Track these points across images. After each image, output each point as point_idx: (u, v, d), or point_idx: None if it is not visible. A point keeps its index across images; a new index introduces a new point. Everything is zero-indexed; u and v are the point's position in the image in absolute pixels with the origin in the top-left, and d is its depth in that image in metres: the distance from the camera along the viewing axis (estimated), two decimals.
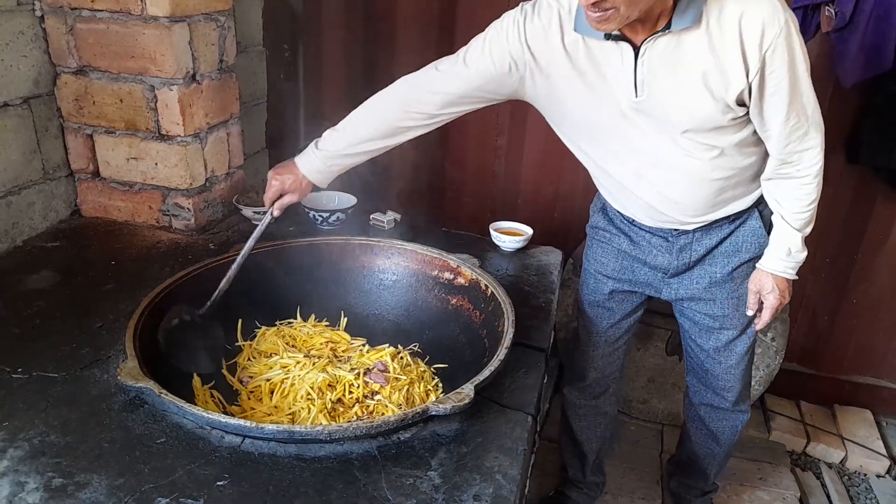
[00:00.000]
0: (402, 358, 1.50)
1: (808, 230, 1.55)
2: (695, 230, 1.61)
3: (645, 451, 2.55)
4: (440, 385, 1.47)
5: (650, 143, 1.46)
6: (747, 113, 1.40)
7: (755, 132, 1.45)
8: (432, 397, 1.41)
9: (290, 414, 1.30)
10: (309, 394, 1.32)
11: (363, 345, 1.57)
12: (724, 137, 1.44)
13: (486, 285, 1.56)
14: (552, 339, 1.65)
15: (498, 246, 1.94)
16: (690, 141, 1.43)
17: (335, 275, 1.71)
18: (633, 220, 1.67)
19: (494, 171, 2.68)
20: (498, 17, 2.40)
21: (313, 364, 1.40)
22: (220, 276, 1.54)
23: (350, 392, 1.36)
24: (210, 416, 1.10)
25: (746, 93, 1.34)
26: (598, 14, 1.22)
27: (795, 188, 1.49)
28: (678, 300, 1.76)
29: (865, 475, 2.57)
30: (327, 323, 1.65)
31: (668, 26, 1.30)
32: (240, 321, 1.55)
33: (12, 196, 1.79)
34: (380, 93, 1.57)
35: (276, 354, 1.47)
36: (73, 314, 1.49)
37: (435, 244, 1.72)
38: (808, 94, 1.38)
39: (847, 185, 2.44)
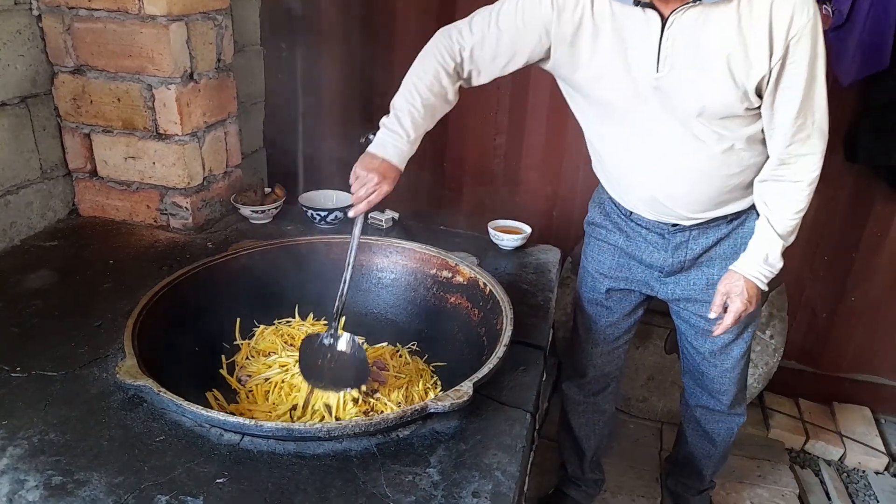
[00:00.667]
0: (400, 356, 1.50)
1: (790, 240, 1.52)
2: (692, 227, 1.60)
3: (644, 449, 2.55)
4: (439, 383, 1.47)
5: (661, 130, 1.45)
6: (760, 106, 1.39)
7: (762, 131, 1.45)
8: (431, 395, 1.41)
9: (291, 409, 1.30)
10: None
11: (362, 344, 1.56)
12: (735, 129, 1.42)
13: (484, 283, 1.56)
14: (551, 338, 1.65)
15: (496, 244, 1.94)
16: (703, 127, 1.41)
17: (333, 273, 1.70)
18: (631, 214, 1.66)
19: (493, 170, 2.68)
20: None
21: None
22: (218, 276, 1.54)
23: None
24: (209, 414, 1.10)
25: (766, 80, 1.33)
26: None
27: (787, 192, 1.47)
28: (674, 300, 1.75)
29: (864, 472, 2.57)
30: (325, 322, 1.65)
31: None
32: (238, 320, 1.54)
33: (10, 195, 1.79)
34: (424, 57, 1.51)
35: (274, 353, 1.47)
36: (72, 313, 1.49)
37: (433, 242, 1.72)
38: (820, 95, 1.37)
39: (846, 184, 2.44)
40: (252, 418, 1.16)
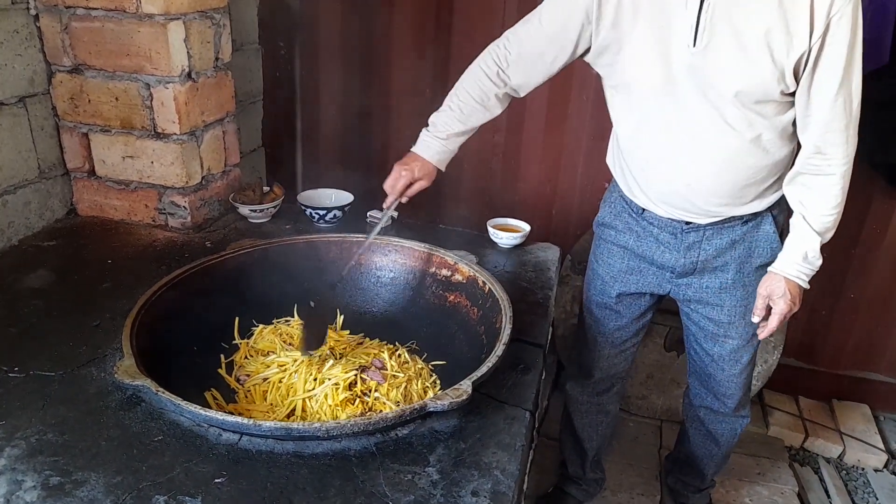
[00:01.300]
0: (399, 355, 1.50)
1: (828, 236, 1.49)
2: (706, 226, 1.58)
3: (644, 448, 2.55)
4: (438, 382, 1.46)
5: (692, 115, 1.43)
6: (795, 93, 1.38)
7: (794, 123, 1.43)
8: (430, 394, 1.40)
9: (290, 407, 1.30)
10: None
11: (359, 342, 1.56)
12: (769, 115, 1.40)
13: (483, 282, 1.56)
14: (550, 336, 1.65)
15: (495, 243, 1.94)
16: (736, 112, 1.39)
17: (332, 273, 1.70)
18: (643, 212, 1.64)
19: (492, 168, 2.68)
20: (493, 11, 2.42)
21: (310, 361, 1.39)
22: (217, 275, 1.54)
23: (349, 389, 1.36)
24: (207, 414, 1.10)
25: (804, 60, 1.32)
26: None
27: (821, 187, 1.44)
28: (685, 301, 1.73)
29: (863, 469, 2.57)
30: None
31: None
32: (236, 319, 1.54)
33: (8, 195, 1.79)
34: (472, 64, 1.60)
35: (273, 353, 1.47)
36: (70, 313, 1.49)
37: (432, 241, 1.72)
38: (857, 80, 1.35)
39: None
40: (250, 418, 1.16)
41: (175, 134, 1.86)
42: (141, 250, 1.82)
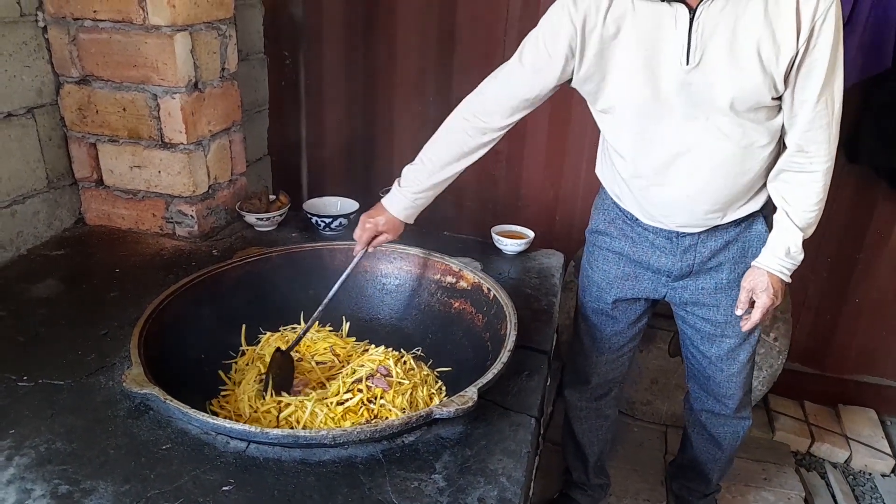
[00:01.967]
0: (405, 362, 1.51)
1: (810, 232, 1.53)
2: (700, 232, 1.60)
3: (649, 453, 2.54)
4: (443, 388, 1.47)
5: (683, 131, 1.44)
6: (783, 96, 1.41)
7: (782, 126, 1.46)
8: (436, 401, 1.41)
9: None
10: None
11: (365, 349, 1.57)
12: (761, 121, 1.43)
13: (488, 288, 1.57)
14: (555, 342, 1.66)
15: (500, 249, 1.95)
16: (729, 121, 1.41)
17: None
18: (637, 219, 1.65)
19: (495, 175, 2.68)
20: (498, 22, 2.44)
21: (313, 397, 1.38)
22: (224, 283, 1.55)
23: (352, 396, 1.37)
24: (215, 422, 1.11)
25: (793, 63, 1.34)
26: None
27: (803, 184, 1.48)
28: (681, 304, 1.74)
29: (870, 474, 2.56)
30: (331, 328, 1.66)
31: None
32: (243, 327, 1.55)
33: (17, 205, 1.81)
34: (448, 118, 1.61)
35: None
36: (78, 322, 1.50)
37: (437, 248, 1.73)
38: (839, 81, 1.38)
39: (847, 185, 2.44)
40: (257, 425, 1.16)
41: (182, 143, 1.87)
42: (148, 259, 1.83)
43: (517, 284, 1.77)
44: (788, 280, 1.55)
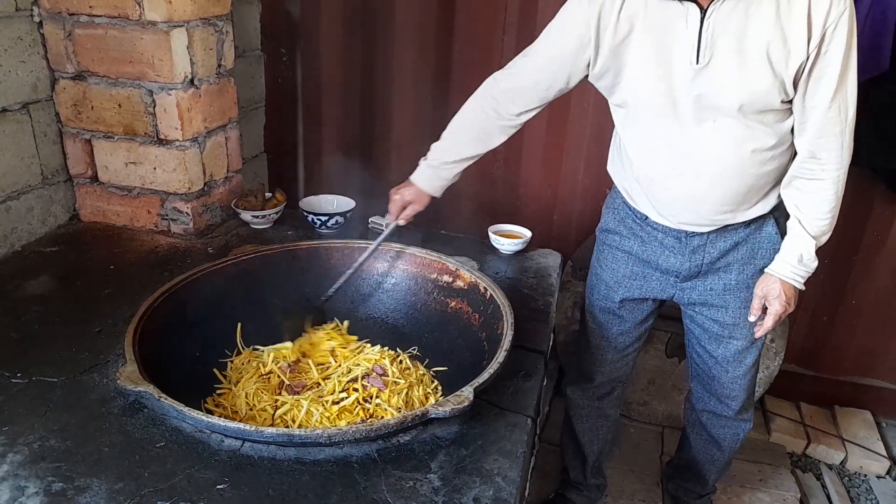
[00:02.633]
0: (401, 361, 1.50)
1: (824, 240, 1.52)
2: (709, 232, 1.59)
3: (645, 454, 2.54)
4: (439, 388, 1.47)
5: (694, 129, 1.45)
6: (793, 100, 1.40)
7: (791, 130, 1.45)
8: (431, 400, 1.41)
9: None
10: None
11: (360, 349, 1.56)
12: (770, 124, 1.42)
13: (485, 288, 1.56)
14: (551, 342, 1.65)
15: (497, 249, 1.94)
16: (738, 123, 1.41)
17: (334, 278, 1.71)
18: (647, 218, 1.65)
19: (493, 175, 2.68)
20: (494, 18, 2.43)
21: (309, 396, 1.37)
22: (219, 281, 1.54)
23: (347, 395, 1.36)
24: (210, 420, 1.11)
25: (803, 68, 1.34)
26: None
27: (815, 191, 1.47)
28: (689, 304, 1.74)
29: (866, 476, 2.57)
30: (335, 324, 1.65)
31: None
32: (239, 325, 1.54)
33: (11, 201, 1.79)
34: (469, 99, 1.65)
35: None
36: (72, 319, 1.49)
37: (434, 247, 1.73)
38: (852, 87, 1.38)
39: (845, 186, 2.43)
40: (252, 424, 1.16)
41: (178, 140, 1.86)
42: (143, 256, 1.83)
43: (514, 284, 1.77)
44: (802, 287, 1.55)
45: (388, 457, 1.12)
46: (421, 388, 1.42)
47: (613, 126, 1.65)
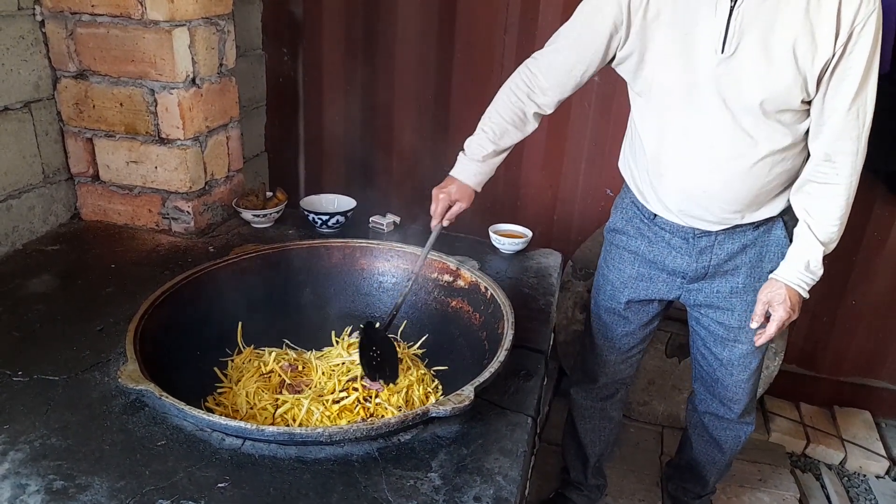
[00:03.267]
0: (401, 360, 1.50)
1: (832, 247, 1.51)
2: (717, 232, 1.59)
3: (645, 454, 2.55)
4: (440, 387, 1.47)
5: (713, 123, 1.45)
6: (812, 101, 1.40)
7: (806, 133, 1.45)
8: (432, 399, 1.41)
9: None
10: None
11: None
12: (788, 124, 1.42)
13: (485, 287, 1.56)
14: (552, 342, 1.65)
15: (497, 248, 1.94)
16: (755, 121, 1.41)
17: (335, 278, 1.71)
18: (655, 217, 1.65)
19: (494, 175, 2.67)
20: (495, 18, 2.43)
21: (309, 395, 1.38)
22: (220, 280, 1.55)
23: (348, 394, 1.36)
24: (210, 419, 1.11)
25: (827, 66, 1.34)
26: None
27: (827, 196, 1.46)
28: (696, 306, 1.73)
29: (865, 476, 2.57)
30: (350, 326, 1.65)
31: None
32: (240, 324, 1.55)
33: (12, 200, 1.80)
34: (502, 89, 1.63)
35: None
36: (74, 317, 1.49)
37: (435, 247, 1.72)
38: (872, 92, 1.38)
39: None
40: (253, 422, 1.16)
41: (179, 139, 1.87)
42: (144, 255, 1.83)
43: (515, 284, 1.77)
44: (806, 295, 1.52)
45: (388, 456, 1.13)
46: (421, 387, 1.43)
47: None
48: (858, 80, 1.34)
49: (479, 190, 1.65)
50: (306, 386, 1.40)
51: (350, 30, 2.59)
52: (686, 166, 1.52)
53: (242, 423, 1.10)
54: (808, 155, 1.49)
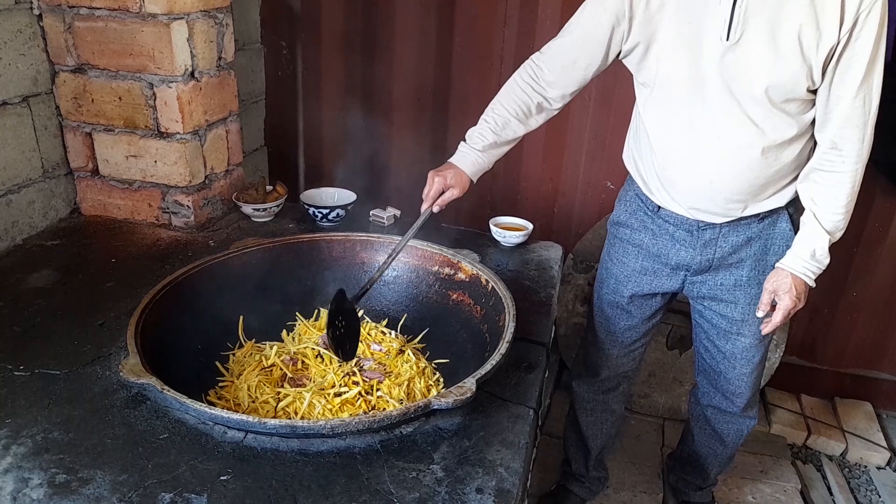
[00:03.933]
0: (402, 353, 1.50)
1: (838, 236, 1.51)
2: (722, 224, 1.58)
3: (646, 446, 2.55)
4: (441, 380, 1.47)
5: (718, 113, 1.44)
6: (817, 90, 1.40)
7: (812, 122, 1.45)
8: (434, 392, 1.41)
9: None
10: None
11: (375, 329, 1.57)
12: (794, 114, 1.42)
13: (486, 280, 1.56)
14: (553, 334, 1.65)
15: (498, 241, 1.94)
16: (761, 110, 1.41)
17: (335, 271, 1.71)
18: (659, 209, 1.64)
19: (494, 167, 2.67)
20: (495, 10, 2.42)
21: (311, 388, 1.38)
22: (220, 274, 1.54)
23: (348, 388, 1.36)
24: (212, 412, 1.11)
25: (832, 54, 1.33)
26: None
27: (833, 185, 1.46)
28: (698, 298, 1.73)
29: (866, 467, 2.57)
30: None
31: None
32: (241, 318, 1.55)
33: (12, 195, 1.79)
34: (509, 80, 1.64)
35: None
36: (74, 312, 1.49)
37: (435, 240, 1.72)
38: (878, 81, 1.37)
39: None
40: (255, 415, 1.16)
41: (178, 133, 1.86)
42: (144, 249, 1.82)
43: (516, 276, 1.77)
44: (812, 284, 1.53)
45: (390, 448, 1.13)
46: (423, 379, 1.43)
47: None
48: (864, 68, 1.34)
49: (474, 180, 1.64)
50: (308, 380, 1.40)
51: (349, 22, 2.58)
52: (692, 157, 1.52)
53: (245, 417, 1.10)
54: (815, 144, 1.49)
